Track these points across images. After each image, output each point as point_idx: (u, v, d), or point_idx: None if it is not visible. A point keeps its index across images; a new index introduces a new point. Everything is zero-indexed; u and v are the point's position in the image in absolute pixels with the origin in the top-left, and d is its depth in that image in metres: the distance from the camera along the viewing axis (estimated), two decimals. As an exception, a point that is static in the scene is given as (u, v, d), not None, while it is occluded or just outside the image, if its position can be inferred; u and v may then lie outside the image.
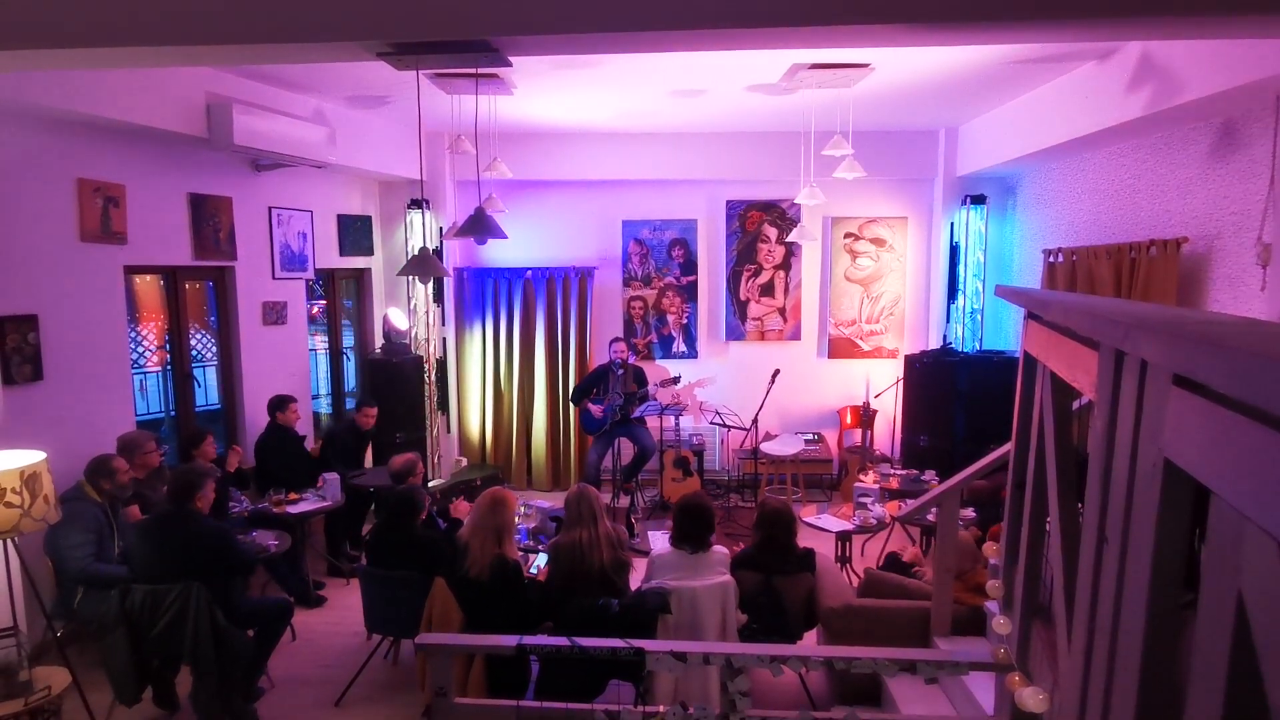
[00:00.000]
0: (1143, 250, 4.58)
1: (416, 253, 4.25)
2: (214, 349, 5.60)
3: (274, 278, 5.88)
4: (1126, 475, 1.26)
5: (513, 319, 7.41)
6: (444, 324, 7.28)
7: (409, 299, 7.13)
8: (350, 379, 7.14)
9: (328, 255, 6.51)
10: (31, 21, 2.68)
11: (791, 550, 3.77)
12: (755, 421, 6.70)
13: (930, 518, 4.36)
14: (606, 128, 6.74)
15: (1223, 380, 0.85)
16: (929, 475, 5.67)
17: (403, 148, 6.63)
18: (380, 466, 5.59)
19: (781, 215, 7.34)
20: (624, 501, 6.83)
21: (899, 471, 5.79)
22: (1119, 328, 1.27)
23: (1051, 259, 5.61)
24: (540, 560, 4.19)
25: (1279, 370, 0.70)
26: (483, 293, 7.45)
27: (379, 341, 7.05)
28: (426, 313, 7.05)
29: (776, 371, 6.81)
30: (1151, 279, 4.48)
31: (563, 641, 2.79)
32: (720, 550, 3.58)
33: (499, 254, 7.44)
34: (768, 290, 7.47)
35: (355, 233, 6.86)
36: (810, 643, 3.97)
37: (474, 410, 7.59)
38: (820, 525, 5.01)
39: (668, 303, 7.53)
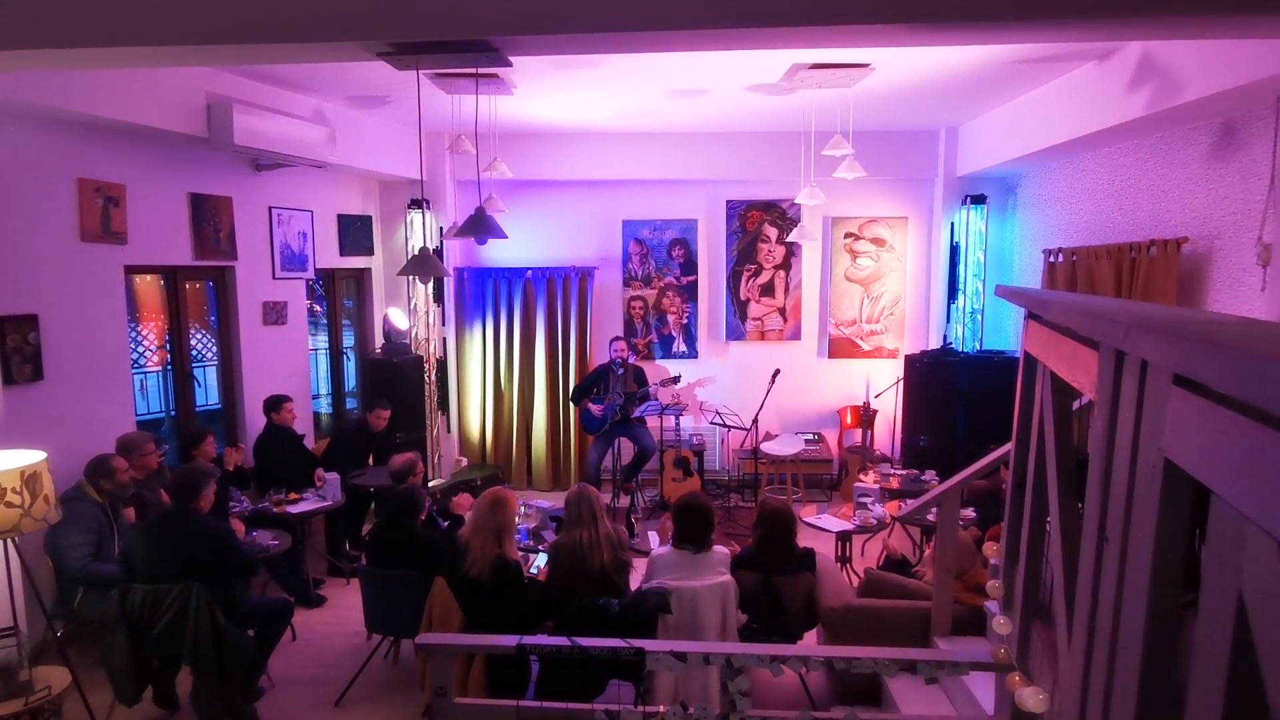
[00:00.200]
0: (1143, 250, 4.58)
1: (416, 253, 4.25)
2: (214, 349, 5.60)
3: (274, 278, 5.88)
4: (1126, 475, 1.26)
5: (513, 319, 7.41)
6: (444, 324, 7.28)
7: (409, 299, 7.13)
8: (350, 379, 7.14)
9: (328, 255, 6.51)
10: (31, 21, 2.68)
11: (791, 550, 3.77)
12: (755, 421, 6.70)
13: (930, 518, 4.36)
14: (606, 128, 6.74)
15: (1222, 380, 0.85)
16: (929, 475, 5.67)
17: (403, 148, 6.63)
18: (380, 466, 5.60)
19: (782, 215, 7.34)
20: (624, 501, 6.83)
21: (899, 471, 5.79)
22: (1119, 328, 1.27)
23: (1051, 259, 5.61)
24: (540, 560, 4.19)
25: (1279, 370, 0.70)
26: (483, 293, 7.45)
27: (379, 341, 7.05)
28: (426, 313, 7.05)
29: (777, 371, 6.81)
30: (1151, 279, 4.48)
31: (563, 641, 2.79)
32: (720, 550, 3.58)
33: (499, 254, 7.44)
34: (768, 290, 7.47)
35: (355, 233, 6.86)
36: (810, 643, 3.97)
37: (474, 410, 7.59)
38: (820, 525, 5.01)
39: (668, 303, 7.53)
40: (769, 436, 6.99)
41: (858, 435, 7.09)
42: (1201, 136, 4.33)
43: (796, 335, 7.50)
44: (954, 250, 7.03)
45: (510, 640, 2.85)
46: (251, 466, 5.34)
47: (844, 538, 5.02)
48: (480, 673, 3.35)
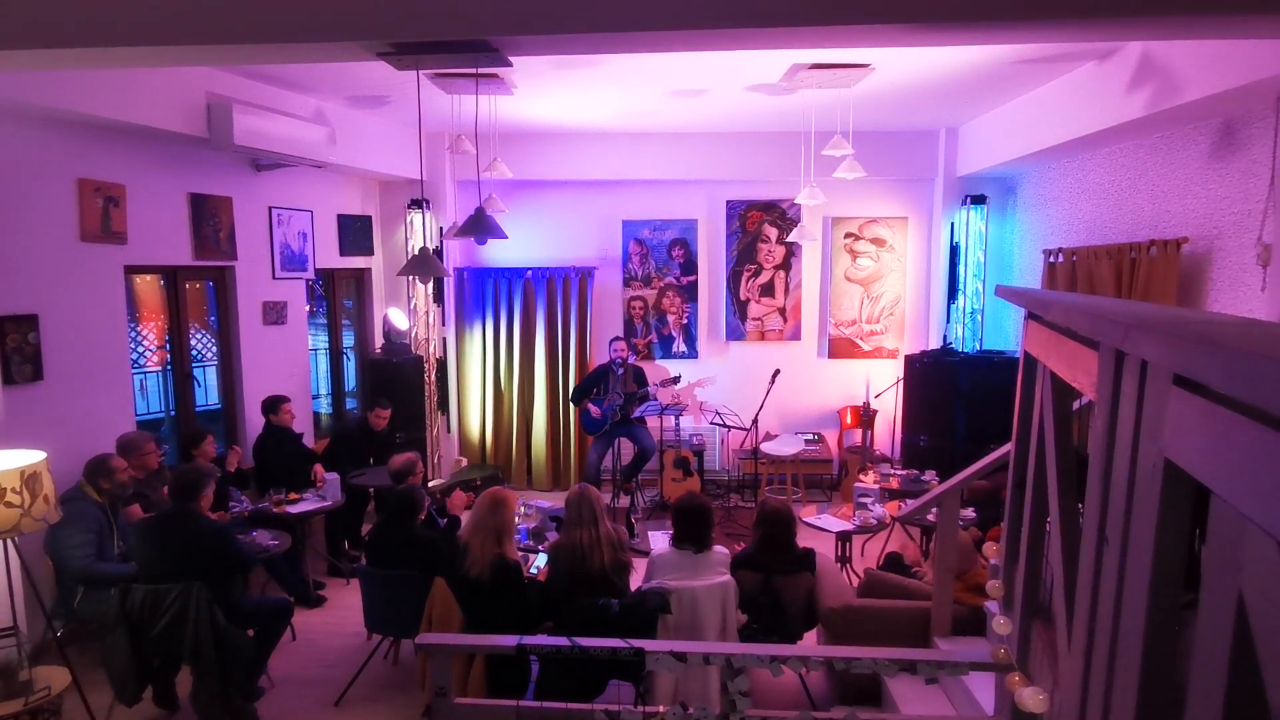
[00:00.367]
0: (1143, 250, 4.58)
1: (416, 253, 4.25)
2: (214, 349, 5.60)
3: (274, 278, 5.88)
4: (1127, 475, 1.26)
5: (513, 319, 7.41)
6: (444, 324, 7.28)
7: (409, 299, 7.13)
8: (350, 379, 7.14)
9: (328, 255, 6.51)
10: (31, 21, 2.68)
11: (791, 550, 3.77)
12: (755, 421, 6.70)
13: (930, 518, 4.36)
14: (606, 128, 6.74)
15: (1222, 380, 0.85)
16: (929, 475, 5.67)
17: (403, 148, 6.63)
18: (380, 466, 5.60)
19: (782, 215, 7.34)
20: (624, 501, 6.83)
21: (899, 471, 5.79)
22: (1119, 328, 1.27)
23: (1052, 259, 5.61)
24: (540, 560, 4.19)
25: (1279, 370, 0.70)
26: (483, 293, 7.45)
27: (379, 341, 7.05)
28: (426, 313, 7.05)
29: (777, 371, 6.81)
30: (1151, 279, 4.48)
31: (563, 641, 2.79)
32: (720, 550, 3.58)
33: (499, 254, 7.44)
34: (768, 290, 7.47)
35: (355, 233, 6.86)
36: (810, 643, 3.97)
37: (474, 410, 7.59)
38: (820, 525, 5.01)
39: (668, 303, 7.52)
40: (769, 436, 6.99)
41: (858, 435, 7.09)
42: (1201, 137, 4.33)
43: (796, 335, 7.49)
44: (954, 250, 7.03)
45: (510, 640, 2.85)
46: (251, 467, 5.34)
47: (844, 538, 5.02)
48: (480, 673, 3.35)
